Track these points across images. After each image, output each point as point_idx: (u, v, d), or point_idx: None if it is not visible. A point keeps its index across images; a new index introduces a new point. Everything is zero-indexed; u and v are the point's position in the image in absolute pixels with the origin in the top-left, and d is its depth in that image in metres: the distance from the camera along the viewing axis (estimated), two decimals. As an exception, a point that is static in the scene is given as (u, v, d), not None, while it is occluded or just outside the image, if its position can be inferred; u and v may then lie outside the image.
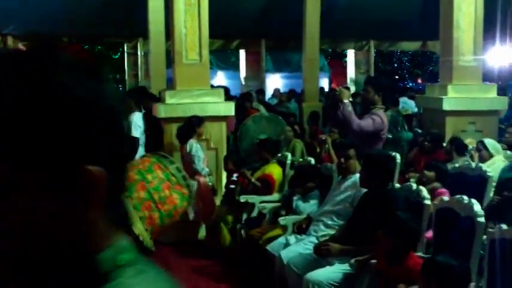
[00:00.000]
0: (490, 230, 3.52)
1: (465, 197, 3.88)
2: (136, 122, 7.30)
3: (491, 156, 6.22)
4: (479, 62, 7.80)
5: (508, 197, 4.58)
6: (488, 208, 4.70)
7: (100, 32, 13.61)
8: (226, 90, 10.81)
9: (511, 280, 3.24)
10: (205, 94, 7.10)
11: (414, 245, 3.73)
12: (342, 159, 4.88)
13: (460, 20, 7.59)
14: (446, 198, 4.12)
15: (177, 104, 6.96)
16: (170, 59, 7.63)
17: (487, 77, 17.31)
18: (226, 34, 13.90)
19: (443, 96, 7.57)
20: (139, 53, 14.04)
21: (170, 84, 7.86)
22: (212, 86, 10.47)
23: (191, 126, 6.69)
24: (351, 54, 16.49)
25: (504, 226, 3.42)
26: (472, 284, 3.59)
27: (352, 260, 3.99)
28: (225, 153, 7.17)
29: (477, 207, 3.72)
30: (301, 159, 6.49)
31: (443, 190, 5.17)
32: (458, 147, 6.53)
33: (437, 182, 5.31)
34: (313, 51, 11.34)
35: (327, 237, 4.49)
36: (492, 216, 4.71)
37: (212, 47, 14.15)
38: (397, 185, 4.67)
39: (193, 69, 7.04)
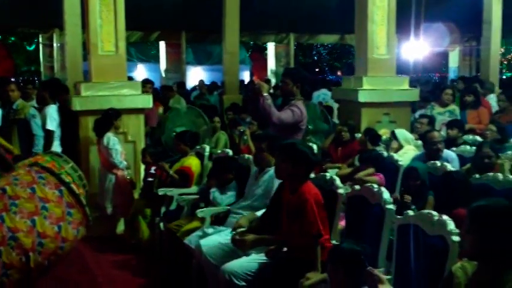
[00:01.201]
0: (398, 216, 3.65)
1: (375, 185, 4.00)
2: (52, 115, 7.11)
3: (401, 146, 6.44)
4: (392, 54, 8.04)
5: (413, 185, 4.77)
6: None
7: (13, 22, 13.12)
8: (151, 82, 10.73)
9: (417, 263, 3.36)
10: (122, 86, 6.99)
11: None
12: (256, 151, 4.94)
13: (374, 14, 7.80)
14: (357, 186, 4.22)
15: (93, 96, 6.82)
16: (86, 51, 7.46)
17: (401, 69, 17.91)
18: (146, 26, 13.73)
19: (359, 88, 7.76)
20: (55, 44, 13.64)
21: (87, 76, 7.68)
22: (149, 81, 10.38)
23: (108, 119, 6.58)
24: (271, 47, 16.64)
25: (411, 212, 3.55)
26: (382, 269, 3.73)
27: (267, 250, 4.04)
28: (143, 146, 7.09)
29: (386, 194, 3.85)
30: (219, 151, 6.49)
31: (380, 175, 5.44)
32: (372, 137, 6.73)
33: (372, 167, 5.53)
34: (233, 44, 11.35)
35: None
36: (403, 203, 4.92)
37: (131, 39, 13.97)
38: (312, 175, 4.74)
39: (110, 61, 6.90)
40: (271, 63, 16.65)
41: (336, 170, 6.60)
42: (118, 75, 6.99)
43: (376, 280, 2.78)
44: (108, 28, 6.87)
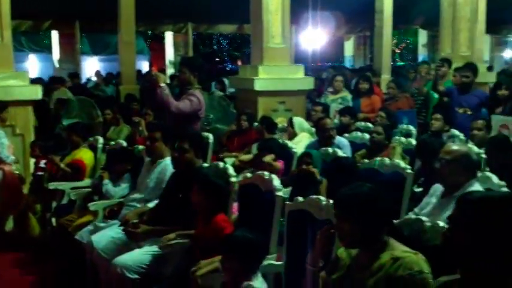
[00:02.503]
0: (288, 203, 3.69)
1: (266, 173, 4.03)
2: None
3: (295, 134, 6.56)
4: (287, 44, 8.14)
5: (303, 170, 4.86)
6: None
7: None
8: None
9: (306, 246, 3.41)
10: (9, 77, 6.67)
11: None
12: (148, 142, 4.87)
13: (269, 4, 7.84)
14: (249, 174, 4.24)
15: (-23, 88, 6.47)
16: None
17: (300, 58, 18.21)
18: (37, 14, 13.15)
19: (255, 77, 7.81)
20: None
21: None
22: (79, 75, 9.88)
23: (-8, 111, 6.27)
24: (169, 37, 16.45)
25: (300, 198, 3.60)
26: (274, 256, 3.77)
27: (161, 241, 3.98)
28: (32, 139, 6.80)
29: (276, 182, 3.88)
30: (112, 143, 6.34)
31: (280, 161, 5.46)
32: (269, 126, 6.79)
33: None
34: (129, 34, 11.11)
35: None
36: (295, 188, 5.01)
37: (21, 28, 13.36)
38: (205, 164, 4.73)
39: (-6, 51, 6.57)
40: (169, 53, 16.46)
41: (233, 159, 6.64)
42: (4, 65, 6.67)
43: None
44: (-8, 16, 6.52)
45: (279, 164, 5.35)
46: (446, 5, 9.96)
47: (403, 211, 4.40)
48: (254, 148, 6.05)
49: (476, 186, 3.78)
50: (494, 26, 16.88)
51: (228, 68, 21.64)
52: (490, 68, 14.53)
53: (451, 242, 2.04)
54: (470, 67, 7.42)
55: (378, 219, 2.61)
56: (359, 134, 6.49)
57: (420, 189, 4.97)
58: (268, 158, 5.30)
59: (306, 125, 6.84)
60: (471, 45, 9.91)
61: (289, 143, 5.96)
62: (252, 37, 8.49)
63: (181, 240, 3.93)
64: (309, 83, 8.31)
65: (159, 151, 4.80)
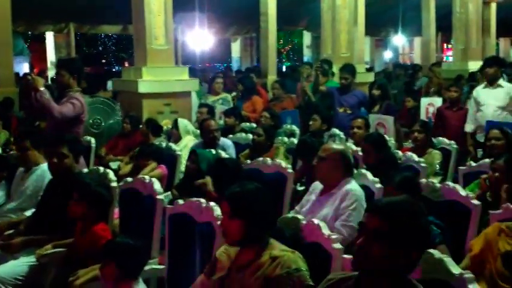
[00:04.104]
0: (168, 206, 3.66)
1: (146, 177, 3.98)
2: None
3: (180, 136, 6.53)
4: (171, 45, 8.08)
5: (192, 168, 4.86)
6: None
7: None
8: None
9: (187, 249, 3.40)
10: None
11: None
12: (18, 152, 4.66)
13: (151, 4, 7.75)
14: (129, 179, 4.16)
15: None
16: None
17: (188, 60, 18.15)
18: None
19: (139, 79, 7.69)
20: None
21: None
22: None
23: None
24: (50, 37, 15.83)
25: (180, 201, 3.58)
26: (155, 260, 3.73)
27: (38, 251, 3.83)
28: None
29: (157, 185, 3.84)
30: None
31: (162, 166, 5.44)
32: (154, 128, 6.72)
33: (153, 161, 5.47)
34: (5, 34, 10.55)
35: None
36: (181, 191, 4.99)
37: None
38: (85, 170, 4.59)
39: None
40: (50, 54, 15.85)
41: (118, 163, 6.51)
42: None
43: None
44: None
45: (160, 171, 5.34)
46: (326, 7, 10.28)
47: (285, 209, 4.50)
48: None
49: (353, 183, 3.94)
50: (374, 28, 17.68)
51: (114, 70, 21.14)
52: (370, 69, 15.16)
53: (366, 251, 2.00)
54: (348, 68, 7.70)
55: (263, 218, 2.66)
56: (243, 135, 6.56)
57: (303, 188, 5.10)
58: (148, 169, 5.25)
59: (191, 126, 6.82)
60: (351, 47, 10.29)
61: (173, 146, 5.91)
62: (134, 38, 8.36)
63: (58, 250, 3.79)
64: (194, 85, 8.30)
65: (32, 159, 4.60)
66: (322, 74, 7.91)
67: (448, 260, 2.37)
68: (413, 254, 1.98)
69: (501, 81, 6.91)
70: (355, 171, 4.24)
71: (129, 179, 4.17)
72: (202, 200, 3.43)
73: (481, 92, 6.89)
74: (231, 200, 2.70)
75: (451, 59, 14.04)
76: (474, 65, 10.76)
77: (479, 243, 3.16)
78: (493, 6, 16.33)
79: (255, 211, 2.64)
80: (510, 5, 16.52)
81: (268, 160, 4.88)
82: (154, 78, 7.77)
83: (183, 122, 6.78)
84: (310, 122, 6.53)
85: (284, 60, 27.47)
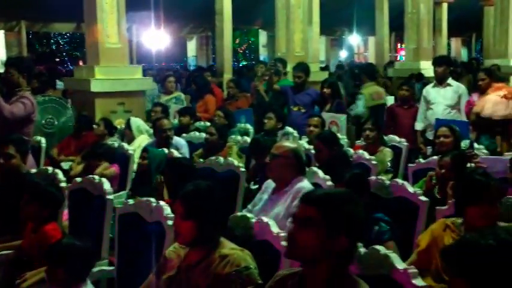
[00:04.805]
0: (118, 206, 3.62)
1: (96, 177, 3.93)
2: None
3: (133, 136, 6.47)
4: (124, 43, 8.00)
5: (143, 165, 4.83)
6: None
7: None
8: None
9: (137, 249, 3.37)
10: None
11: None
12: None
13: (103, 2, 7.66)
14: (79, 179, 4.10)
15: None
16: None
17: (144, 59, 18.01)
18: None
19: (91, 78, 7.59)
20: None
21: None
22: None
23: None
24: (0, 36, 15.50)
25: (130, 201, 3.55)
26: (105, 261, 3.69)
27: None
28: None
29: (107, 185, 3.80)
30: None
31: (115, 165, 5.40)
32: (107, 127, 6.64)
33: (105, 161, 5.43)
34: (-47, 32, 10.31)
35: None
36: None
37: None
38: (33, 170, 4.51)
39: None
40: (1, 53, 15.51)
41: (70, 163, 6.41)
42: None
43: None
44: None
45: (113, 169, 5.27)
46: (280, 6, 10.31)
47: (238, 208, 4.51)
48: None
49: (305, 182, 3.96)
50: (329, 27, 17.86)
51: (69, 69, 20.82)
52: (325, 68, 15.28)
53: (296, 239, 2.07)
54: (302, 67, 7.75)
55: (216, 218, 2.65)
56: (197, 134, 6.54)
57: (256, 187, 5.11)
58: (100, 169, 5.19)
59: (145, 126, 6.76)
60: (305, 46, 10.35)
61: (125, 145, 5.85)
62: (86, 37, 8.24)
63: (5, 252, 3.71)
64: (148, 84, 8.24)
65: None
66: (276, 73, 7.95)
67: (393, 256, 2.40)
68: (343, 240, 2.02)
69: (450, 80, 7.07)
70: (307, 169, 4.27)
71: (79, 179, 4.11)
72: (153, 200, 3.41)
73: (430, 90, 7.03)
74: (185, 201, 2.69)
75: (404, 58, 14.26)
76: (426, 65, 10.97)
77: (426, 238, 3.22)
78: (445, 6, 16.68)
79: (208, 212, 2.63)
80: (461, 5, 16.89)
81: (221, 159, 4.88)
82: (107, 77, 7.67)
83: (135, 122, 6.71)
84: (265, 121, 6.54)
85: (241, 59, 27.49)
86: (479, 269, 1.65)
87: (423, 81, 9.90)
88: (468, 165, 4.52)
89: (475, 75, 8.61)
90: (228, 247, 2.66)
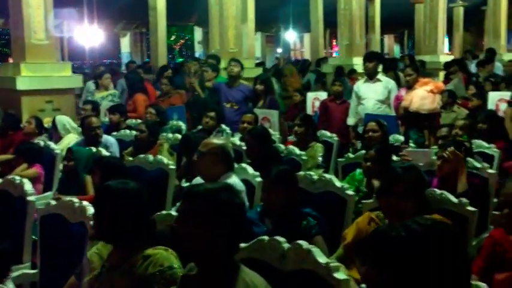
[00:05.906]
0: (40, 207, 3.51)
1: (17, 177, 3.80)
2: None
3: (60, 135, 6.30)
4: (52, 40, 7.79)
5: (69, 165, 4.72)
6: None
7: None
8: None
9: (60, 251, 3.28)
10: None
11: None
12: None
13: (28, -3, 7.44)
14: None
15: None
16: None
17: (77, 56, 17.63)
18: None
19: (17, 76, 7.35)
20: None
21: None
22: None
23: None
24: None
25: (52, 202, 3.44)
26: (28, 264, 3.57)
27: None
28: None
29: (28, 186, 3.68)
30: None
31: (37, 166, 5.25)
32: (38, 126, 6.44)
33: (24, 162, 5.28)
34: None
35: None
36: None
37: None
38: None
39: None
40: None
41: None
42: None
43: None
44: None
45: (34, 169, 5.14)
46: (214, 2, 10.23)
47: (167, 207, 4.45)
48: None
49: (233, 178, 3.93)
50: (265, 24, 17.91)
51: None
52: (260, 64, 15.31)
53: (178, 233, 2.16)
54: (235, 60, 7.74)
55: (132, 217, 2.59)
56: (128, 132, 6.43)
57: (187, 184, 5.05)
58: (18, 171, 5.04)
59: (72, 124, 6.57)
60: (239, 42, 10.32)
61: (52, 144, 5.68)
62: (12, 33, 7.99)
63: None
64: (77, 81, 8.05)
65: None
66: (213, 69, 7.90)
67: (315, 250, 2.40)
68: (221, 232, 2.12)
69: (380, 76, 7.20)
70: (236, 165, 4.25)
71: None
72: (76, 200, 3.31)
73: (361, 86, 7.14)
74: (96, 200, 2.64)
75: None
76: (358, 61, 11.13)
77: (352, 232, 3.24)
78: (377, 3, 16.96)
79: (119, 212, 2.57)
80: (394, 2, 17.22)
81: (150, 157, 4.81)
82: (33, 75, 7.46)
83: (61, 120, 6.49)
84: (207, 119, 6.42)
85: (176, 56, 27.23)
86: (390, 260, 1.67)
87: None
88: (395, 158, 4.61)
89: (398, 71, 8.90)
90: (152, 247, 2.61)
